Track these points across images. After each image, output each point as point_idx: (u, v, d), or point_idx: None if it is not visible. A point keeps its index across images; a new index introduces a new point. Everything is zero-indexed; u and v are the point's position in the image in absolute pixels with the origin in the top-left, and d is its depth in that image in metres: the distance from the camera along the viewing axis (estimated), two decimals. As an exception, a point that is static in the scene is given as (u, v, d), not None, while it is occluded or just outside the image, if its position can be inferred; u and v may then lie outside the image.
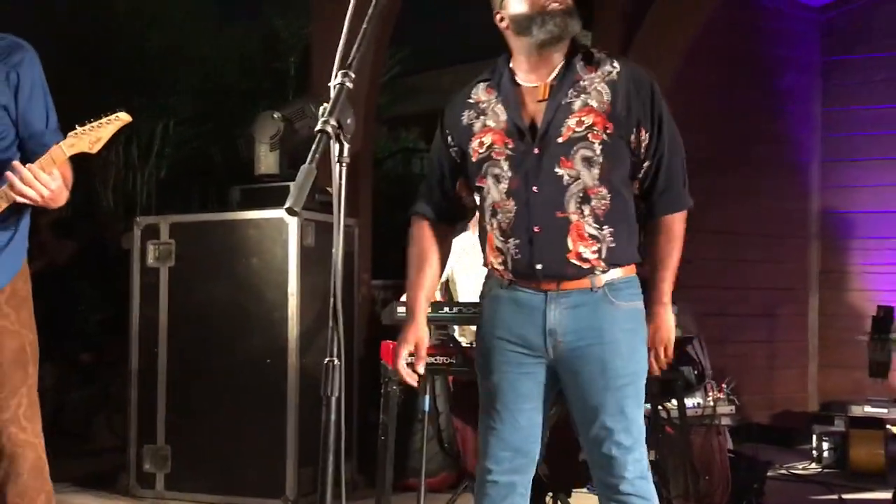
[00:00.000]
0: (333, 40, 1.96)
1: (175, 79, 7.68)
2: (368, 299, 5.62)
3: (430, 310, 3.42)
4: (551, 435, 2.73)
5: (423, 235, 2.68)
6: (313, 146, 1.86)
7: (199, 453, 4.71)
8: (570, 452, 3.51)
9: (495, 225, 2.51)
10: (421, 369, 2.58)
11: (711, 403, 4.41)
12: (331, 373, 1.87)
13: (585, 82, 2.48)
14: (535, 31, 2.45)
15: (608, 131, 2.43)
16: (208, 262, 4.76)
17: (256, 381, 4.61)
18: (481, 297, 2.65)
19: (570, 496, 3.92)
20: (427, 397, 4.37)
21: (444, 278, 4.10)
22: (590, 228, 2.43)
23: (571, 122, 2.44)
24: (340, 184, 1.88)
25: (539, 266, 2.45)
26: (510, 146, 2.48)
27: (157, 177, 7.53)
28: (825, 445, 5.76)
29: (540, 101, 2.49)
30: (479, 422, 2.63)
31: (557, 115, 2.45)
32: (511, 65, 2.56)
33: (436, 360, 3.43)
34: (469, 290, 4.02)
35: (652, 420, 3.68)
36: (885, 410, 6.17)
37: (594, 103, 2.45)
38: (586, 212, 2.42)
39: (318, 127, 1.86)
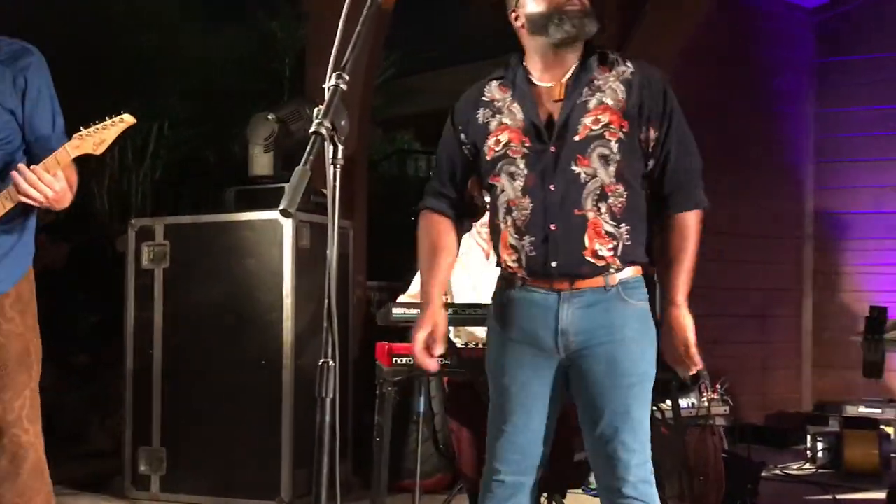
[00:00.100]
0: (328, 42, 1.97)
1: (169, 80, 7.67)
2: (363, 301, 5.62)
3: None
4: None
5: (435, 228, 2.66)
6: (308, 148, 1.87)
7: (194, 455, 4.71)
8: (565, 453, 3.51)
9: (510, 223, 2.51)
10: (439, 352, 2.55)
11: (706, 404, 4.43)
12: (325, 374, 1.87)
13: (600, 81, 2.49)
14: (552, 30, 2.46)
15: (624, 129, 2.45)
16: (203, 263, 4.77)
17: (251, 383, 4.61)
18: (493, 297, 2.64)
19: (564, 497, 3.93)
20: (422, 398, 4.38)
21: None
22: (607, 226, 2.43)
23: (588, 120, 2.45)
24: (335, 185, 1.89)
25: (554, 264, 2.44)
26: (527, 144, 2.49)
27: (151, 178, 7.52)
28: (819, 446, 5.78)
29: (556, 101, 2.50)
30: (488, 422, 2.62)
31: (574, 113, 2.46)
32: (525, 64, 2.56)
33: (431, 361, 3.42)
34: (465, 291, 4.02)
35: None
36: (879, 411, 6.19)
37: (610, 101, 2.46)
38: (603, 209, 2.43)
39: (313, 129, 1.87)
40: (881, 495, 4.66)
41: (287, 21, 8.00)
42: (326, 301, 1.85)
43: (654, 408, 3.89)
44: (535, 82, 2.53)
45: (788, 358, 7.37)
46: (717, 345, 6.39)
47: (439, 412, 4.81)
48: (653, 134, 2.50)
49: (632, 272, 2.49)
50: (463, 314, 3.44)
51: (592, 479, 4.87)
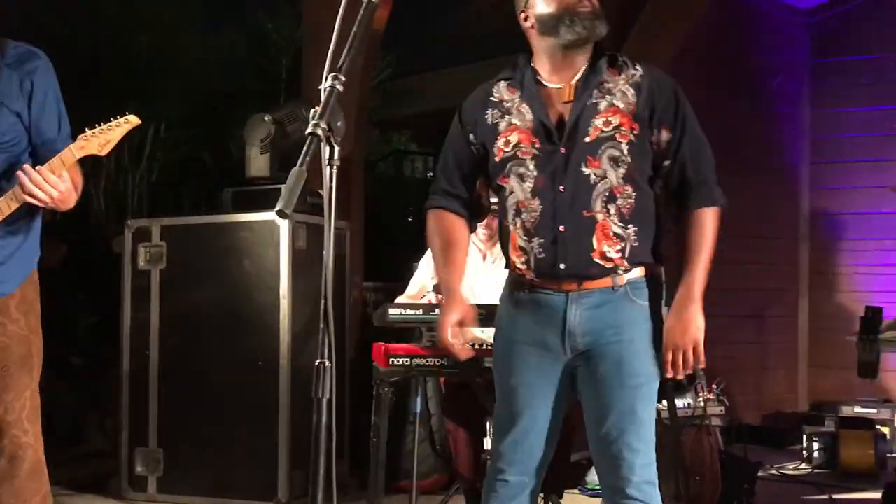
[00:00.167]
0: (325, 43, 1.97)
1: (166, 82, 7.67)
2: (360, 301, 5.63)
3: (420, 312, 3.46)
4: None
5: (447, 225, 2.65)
6: (304, 149, 1.87)
7: (191, 456, 4.71)
8: (563, 453, 3.52)
9: (519, 224, 2.51)
10: (469, 335, 2.53)
11: (702, 404, 4.43)
12: (322, 374, 1.88)
13: (610, 84, 2.50)
14: (563, 32, 2.46)
15: (635, 132, 2.46)
16: (199, 264, 4.77)
17: (248, 384, 4.61)
18: (501, 299, 2.64)
19: (561, 497, 3.93)
20: (418, 399, 4.39)
21: (435, 280, 4.11)
22: (615, 227, 2.44)
23: (598, 122, 2.46)
24: (331, 186, 1.89)
25: (563, 265, 2.45)
26: (537, 145, 2.49)
27: (148, 180, 7.52)
28: (815, 446, 5.78)
29: (566, 103, 2.50)
30: (494, 423, 2.63)
31: (584, 114, 2.47)
32: (533, 65, 2.56)
33: (427, 361, 3.44)
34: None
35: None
36: (874, 411, 6.20)
37: (620, 104, 2.47)
38: (612, 211, 2.44)
39: (309, 130, 1.87)
40: (877, 495, 4.67)
41: (286, 21, 8.01)
42: (323, 302, 1.86)
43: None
44: (544, 83, 2.54)
45: (785, 358, 7.38)
46: (713, 345, 6.36)
47: (436, 413, 4.82)
48: (665, 136, 2.50)
49: (640, 273, 2.49)
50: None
51: (589, 478, 4.90)
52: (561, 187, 2.45)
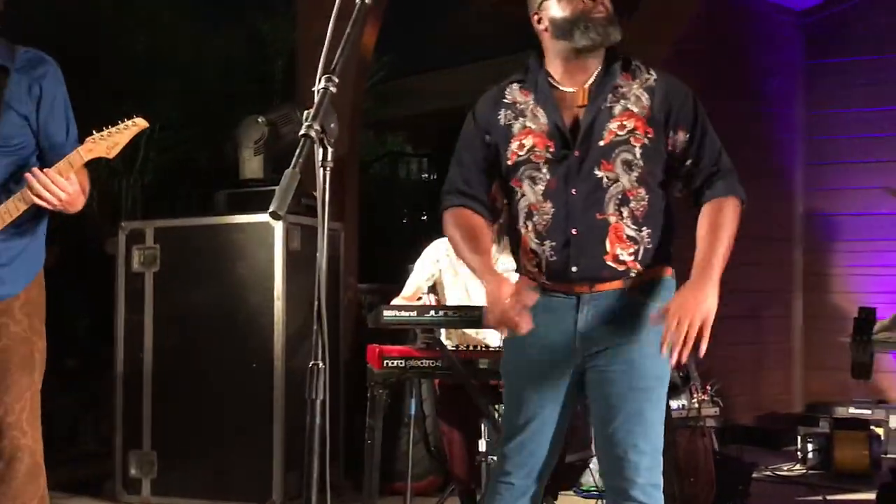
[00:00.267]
0: (319, 45, 1.97)
1: (160, 83, 7.66)
2: (354, 303, 5.62)
3: (415, 313, 3.45)
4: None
5: (466, 216, 2.59)
6: (297, 150, 1.87)
7: (185, 458, 4.70)
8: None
9: (530, 227, 2.51)
10: (532, 299, 2.40)
11: (696, 405, 4.44)
12: (316, 376, 1.88)
13: (624, 88, 2.50)
14: (578, 36, 2.46)
15: (649, 135, 2.46)
16: (193, 266, 4.76)
17: (242, 385, 4.61)
18: None
19: (556, 498, 3.93)
20: (413, 401, 4.38)
21: (431, 282, 4.11)
22: (628, 230, 2.44)
23: (613, 125, 2.46)
24: (324, 188, 1.89)
25: (574, 268, 2.45)
26: (551, 149, 2.49)
27: (141, 182, 7.50)
28: (810, 447, 5.79)
29: (580, 106, 2.50)
30: (503, 425, 2.63)
31: (599, 118, 2.47)
32: (545, 67, 2.56)
33: (421, 363, 3.44)
34: (456, 293, 4.03)
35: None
36: (869, 411, 6.21)
37: (634, 108, 2.47)
38: (625, 213, 2.44)
39: (302, 131, 1.87)
40: (871, 496, 4.67)
41: (282, 23, 7.99)
42: (316, 303, 1.86)
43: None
44: (557, 86, 2.54)
45: (779, 359, 7.38)
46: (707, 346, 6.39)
47: (431, 414, 4.81)
48: (682, 137, 2.50)
49: (653, 274, 2.49)
50: (454, 317, 3.44)
51: (583, 480, 4.90)
52: (573, 190, 2.45)
